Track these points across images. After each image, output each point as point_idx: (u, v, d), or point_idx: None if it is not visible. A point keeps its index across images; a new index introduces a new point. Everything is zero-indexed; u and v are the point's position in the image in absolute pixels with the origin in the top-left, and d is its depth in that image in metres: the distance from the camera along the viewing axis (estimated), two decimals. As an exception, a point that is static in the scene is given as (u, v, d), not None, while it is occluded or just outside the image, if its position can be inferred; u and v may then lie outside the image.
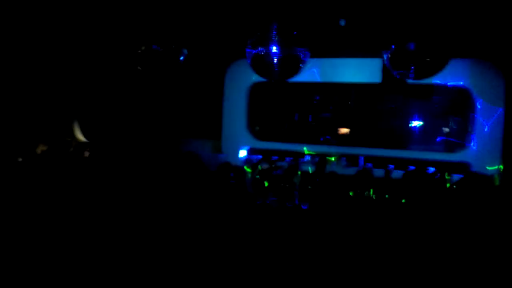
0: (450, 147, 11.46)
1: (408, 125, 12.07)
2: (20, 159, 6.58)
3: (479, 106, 10.58)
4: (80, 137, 10.35)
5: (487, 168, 10.26)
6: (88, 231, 4.74)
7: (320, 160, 10.10)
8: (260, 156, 11.23)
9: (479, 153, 10.58)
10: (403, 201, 5.46)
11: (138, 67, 8.00)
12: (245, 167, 6.24)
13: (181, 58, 8.45)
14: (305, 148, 11.98)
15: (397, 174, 9.32)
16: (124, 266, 4.24)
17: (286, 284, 3.99)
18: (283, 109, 13.22)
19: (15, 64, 8.94)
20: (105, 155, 8.42)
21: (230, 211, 5.18)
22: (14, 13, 8.41)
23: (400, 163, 11.08)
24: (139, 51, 7.81)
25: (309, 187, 6.76)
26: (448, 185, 7.16)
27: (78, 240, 4.59)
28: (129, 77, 10.51)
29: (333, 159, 10.58)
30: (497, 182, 7.63)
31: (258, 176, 7.27)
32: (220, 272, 4.12)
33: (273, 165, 9.06)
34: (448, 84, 10.63)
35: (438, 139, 11.68)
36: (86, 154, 8.20)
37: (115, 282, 4.10)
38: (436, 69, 7.15)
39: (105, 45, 9.89)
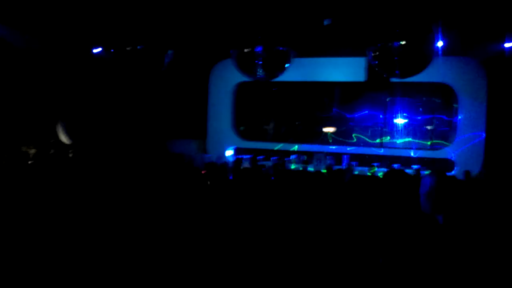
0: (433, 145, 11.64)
1: (392, 123, 12.20)
2: (3, 161, 6.48)
3: (461, 103, 10.73)
4: (64, 139, 10.24)
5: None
6: (74, 231, 4.69)
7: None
8: (248, 156, 11.23)
9: (461, 150, 10.73)
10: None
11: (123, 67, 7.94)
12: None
13: (166, 59, 8.41)
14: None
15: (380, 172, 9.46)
16: (110, 266, 4.21)
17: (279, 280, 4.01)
18: (268, 108, 13.25)
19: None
20: (89, 156, 8.35)
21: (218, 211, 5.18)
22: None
23: (383, 160, 11.22)
24: (125, 52, 7.76)
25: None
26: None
27: (63, 240, 4.54)
28: (114, 78, 10.44)
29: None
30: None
31: None
32: (211, 268, 4.12)
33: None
34: (432, 81, 10.74)
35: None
36: (70, 154, 8.13)
37: (102, 282, 4.07)
38: (420, 67, 7.25)
39: (89, 47, 9.81)
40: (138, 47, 7.90)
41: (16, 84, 9.20)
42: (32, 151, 7.09)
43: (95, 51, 9.84)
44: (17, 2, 8.23)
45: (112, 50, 7.97)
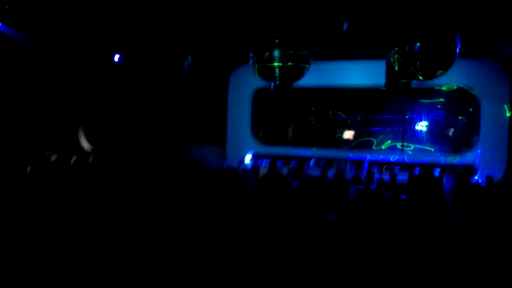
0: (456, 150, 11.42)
1: (414, 128, 12.05)
2: (29, 167, 6.58)
3: (483, 107, 10.54)
4: (86, 144, 10.36)
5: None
6: (95, 237, 4.73)
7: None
8: (267, 160, 11.18)
9: (484, 154, 10.53)
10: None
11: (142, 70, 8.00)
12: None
13: (186, 64, 8.45)
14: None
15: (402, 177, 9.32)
16: (133, 272, 4.23)
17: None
18: (287, 113, 13.22)
19: (24, 77, 9.01)
20: (110, 162, 8.42)
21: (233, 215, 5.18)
22: (22, 23, 8.50)
23: (405, 166, 11.07)
24: (145, 58, 7.84)
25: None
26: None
27: (84, 246, 4.57)
28: (135, 84, 10.54)
29: None
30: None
31: None
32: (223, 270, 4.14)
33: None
34: (453, 85, 10.59)
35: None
36: (91, 160, 8.21)
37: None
38: (440, 71, 7.12)
39: (110, 53, 9.93)
40: (158, 52, 7.96)
41: (39, 90, 9.35)
42: (54, 156, 7.18)
43: (115, 57, 9.97)
44: (43, 12, 8.40)
45: (132, 56, 8.06)
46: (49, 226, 4.84)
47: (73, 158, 8.17)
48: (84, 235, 4.73)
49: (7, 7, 8.10)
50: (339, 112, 12.78)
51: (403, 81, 8.40)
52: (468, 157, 10.79)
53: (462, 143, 11.60)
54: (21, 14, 8.37)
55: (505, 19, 7.74)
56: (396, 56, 7.08)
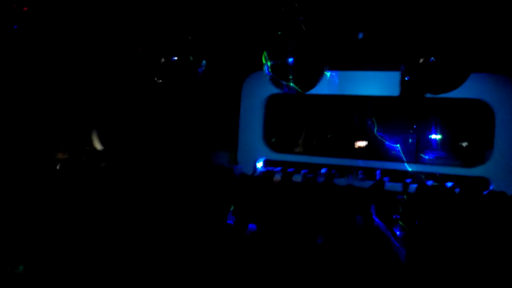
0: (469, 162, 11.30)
1: (426, 139, 11.98)
2: (42, 168, 6.67)
3: (498, 121, 10.44)
4: (98, 146, 10.46)
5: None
6: (109, 244, 4.74)
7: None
8: (277, 168, 11.16)
9: (499, 167, 10.41)
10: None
11: (157, 79, 8.08)
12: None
13: (200, 70, 8.50)
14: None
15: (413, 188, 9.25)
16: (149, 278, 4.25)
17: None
18: (299, 121, 13.21)
19: (36, 77, 9.10)
20: (124, 164, 8.48)
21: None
22: (39, 27, 8.60)
23: (417, 176, 10.98)
24: (159, 63, 7.90)
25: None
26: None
27: (93, 250, 4.59)
28: (148, 89, 10.62)
29: None
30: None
31: None
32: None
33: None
34: (467, 98, 10.50)
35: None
36: (103, 163, 8.28)
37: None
38: (455, 83, 7.07)
39: (126, 57, 10.02)
40: (172, 58, 8.03)
41: (54, 90, 9.46)
42: (65, 156, 7.27)
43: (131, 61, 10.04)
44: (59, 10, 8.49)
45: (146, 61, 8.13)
46: (57, 226, 4.87)
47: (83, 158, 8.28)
48: (94, 239, 4.74)
49: (26, 8, 8.21)
50: (352, 121, 12.74)
51: (416, 92, 8.36)
52: (481, 170, 10.67)
53: (476, 155, 11.49)
54: (39, 13, 8.48)
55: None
56: (409, 68, 7.06)
